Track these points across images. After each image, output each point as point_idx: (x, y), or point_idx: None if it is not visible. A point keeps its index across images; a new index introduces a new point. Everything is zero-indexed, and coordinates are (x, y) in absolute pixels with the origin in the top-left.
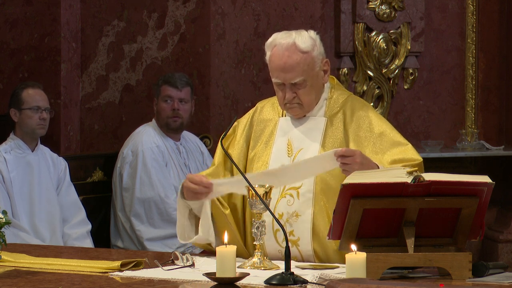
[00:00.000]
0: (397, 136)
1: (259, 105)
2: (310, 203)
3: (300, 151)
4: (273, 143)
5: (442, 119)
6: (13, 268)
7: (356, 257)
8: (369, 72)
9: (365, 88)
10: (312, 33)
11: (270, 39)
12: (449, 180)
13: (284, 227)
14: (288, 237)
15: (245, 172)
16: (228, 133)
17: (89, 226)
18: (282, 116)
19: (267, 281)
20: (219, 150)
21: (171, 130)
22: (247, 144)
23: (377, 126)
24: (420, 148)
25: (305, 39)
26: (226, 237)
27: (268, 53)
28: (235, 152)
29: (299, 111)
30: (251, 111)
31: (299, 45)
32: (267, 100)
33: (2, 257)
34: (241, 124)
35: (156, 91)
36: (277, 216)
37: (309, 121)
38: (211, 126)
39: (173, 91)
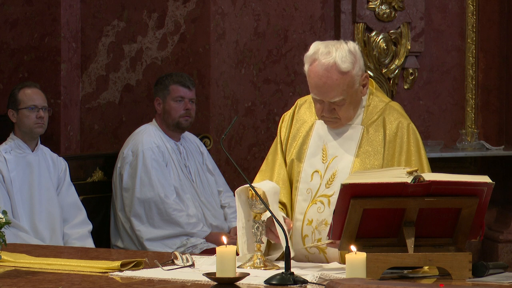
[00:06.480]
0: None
1: (298, 102)
2: None
3: (335, 158)
4: (308, 147)
5: (442, 119)
6: (13, 268)
7: (356, 257)
8: (369, 72)
9: None
10: (351, 45)
11: (310, 52)
12: (449, 180)
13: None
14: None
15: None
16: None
17: (90, 226)
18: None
19: (267, 281)
20: (272, 150)
21: (180, 129)
22: (287, 142)
23: (411, 150)
24: None
25: (346, 57)
26: (224, 239)
27: (306, 66)
28: (282, 149)
29: (336, 124)
30: (292, 109)
31: (339, 65)
32: (305, 99)
33: (2, 257)
34: (285, 121)
35: (162, 91)
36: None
37: (345, 129)
38: (211, 126)
39: (185, 91)
